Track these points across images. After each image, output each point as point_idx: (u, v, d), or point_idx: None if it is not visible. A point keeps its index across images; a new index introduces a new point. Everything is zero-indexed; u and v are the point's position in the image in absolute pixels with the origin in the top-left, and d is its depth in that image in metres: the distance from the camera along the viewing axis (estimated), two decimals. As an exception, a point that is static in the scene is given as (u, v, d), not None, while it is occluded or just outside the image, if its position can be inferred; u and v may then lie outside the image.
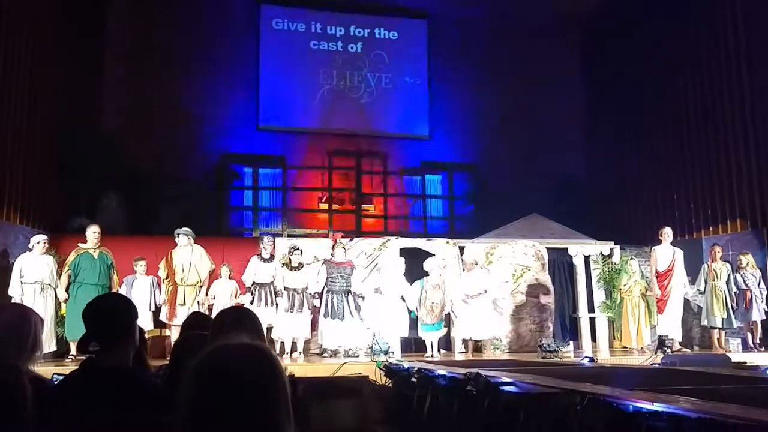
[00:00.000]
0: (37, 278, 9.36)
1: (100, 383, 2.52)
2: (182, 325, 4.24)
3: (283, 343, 10.30)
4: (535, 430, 4.17)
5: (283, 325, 10.25)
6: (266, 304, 10.24)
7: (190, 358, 1.59)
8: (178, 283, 10.00)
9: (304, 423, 2.98)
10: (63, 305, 9.65)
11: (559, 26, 17.22)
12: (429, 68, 17.85)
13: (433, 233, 15.40)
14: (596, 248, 12.59)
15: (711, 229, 13.08)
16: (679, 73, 13.96)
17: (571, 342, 12.12)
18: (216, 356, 1.54)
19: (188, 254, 10.12)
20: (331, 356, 10.28)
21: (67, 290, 9.49)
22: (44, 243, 9.58)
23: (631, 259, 12.00)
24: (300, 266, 10.61)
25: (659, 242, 11.40)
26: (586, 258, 12.57)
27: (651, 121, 14.77)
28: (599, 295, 12.35)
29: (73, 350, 9.21)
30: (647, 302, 11.53)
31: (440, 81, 17.59)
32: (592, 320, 12.35)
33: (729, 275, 11.34)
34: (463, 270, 11.28)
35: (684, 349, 11.16)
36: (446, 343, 11.37)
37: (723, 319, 11.18)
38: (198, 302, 10.04)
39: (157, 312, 10.30)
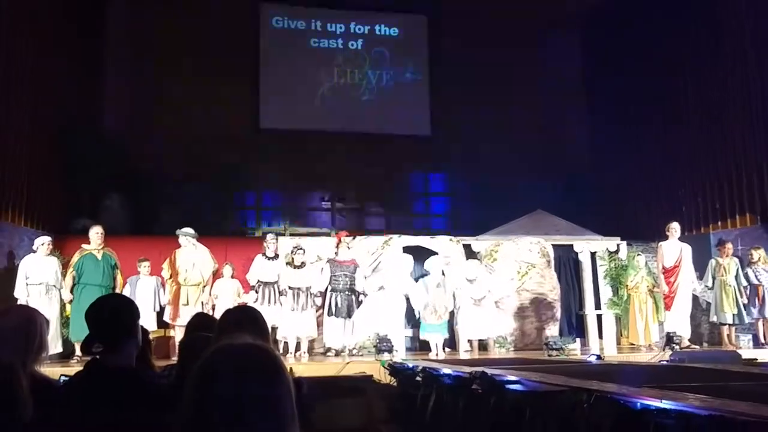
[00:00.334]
0: (42, 280, 9.37)
1: (103, 384, 2.52)
2: (187, 326, 4.23)
3: (287, 343, 10.29)
4: (542, 428, 4.14)
5: (288, 325, 10.24)
6: (270, 302, 10.22)
7: (196, 360, 1.58)
8: (182, 283, 10.01)
9: (308, 423, 2.97)
10: (68, 306, 9.66)
11: (561, 22, 17.19)
12: (430, 65, 17.82)
13: (436, 231, 15.36)
14: (602, 244, 12.54)
15: (719, 224, 13.01)
16: (684, 67, 13.91)
17: (578, 339, 12.08)
18: (219, 356, 1.54)
19: (192, 254, 10.14)
20: (335, 355, 10.28)
21: (71, 291, 9.51)
22: (48, 244, 9.60)
23: (638, 255, 11.93)
24: (303, 265, 10.59)
25: (666, 238, 11.35)
26: (593, 254, 12.52)
27: (656, 115, 14.72)
28: (606, 292, 12.30)
29: (78, 351, 9.20)
30: (655, 298, 11.47)
31: (441, 78, 17.54)
32: (599, 317, 12.30)
33: (737, 270, 11.26)
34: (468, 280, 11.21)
35: (693, 346, 11.09)
36: (451, 341, 11.34)
37: (734, 315, 11.08)
38: (201, 302, 10.05)
39: (161, 312, 10.30)
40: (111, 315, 2.76)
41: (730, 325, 11.24)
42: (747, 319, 11.17)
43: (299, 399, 1.58)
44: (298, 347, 10.34)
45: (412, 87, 17.76)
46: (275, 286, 10.38)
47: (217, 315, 8.68)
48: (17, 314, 3.19)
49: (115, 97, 15.37)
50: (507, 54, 17.15)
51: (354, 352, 10.44)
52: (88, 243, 9.71)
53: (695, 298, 11.70)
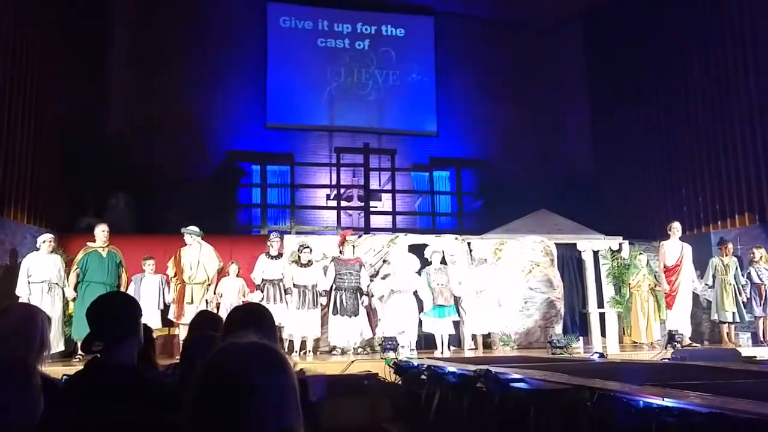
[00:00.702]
0: (44, 278, 9.34)
1: (104, 382, 2.52)
2: (190, 325, 4.24)
3: (292, 341, 10.32)
4: (546, 426, 4.16)
5: (294, 323, 10.27)
6: (275, 301, 10.24)
7: (199, 359, 1.58)
8: (186, 281, 10.00)
9: (313, 421, 2.99)
10: (71, 304, 9.63)
11: (564, 21, 17.21)
12: (436, 65, 17.85)
13: (442, 229, 15.38)
14: (605, 243, 12.55)
15: (719, 223, 13.03)
16: (685, 67, 13.91)
17: (581, 337, 12.08)
18: (224, 355, 1.54)
19: (197, 252, 10.12)
20: (341, 354, 10.30)
21: (75, 289, 9.45)
22: (50, 242, 9.57)
23: (640, 254, 11.98)
24: (309, 263, 10.62)
25: (667, 237, 11.38)
26: (595, 253, 12.53)
27: (658, 115, 14.73)
28: (608, 291, 12.31)
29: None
30: (656, 297, 11.52)
31: (447, 77, 17.58)
32: (602, 315, 12.30)
33: (737, 269, 11.32)
34: (473, 264, 11.30)
35: (694, 344, 11.12)
36: (456, 339, 11.37)
37: (734, 313, 11.16)
38: (206, 300, 10.03)
39: (165, 310, 10.32)
40: (111, 313, 2.74)
41: (730, 323, 11.30)
42: (747, 317, 11.24)
43: (304, 398, 1.58)
44: (303, 346, 10.38)
45: (418, 87, 17.79)
46: (280, 284, 10.41)
47: (222, 313, 8.77)
48: (16, 313, 3.15)
49: (120, 95, 15.37)
50: (511, 54, 17.20)
51: (359, 350, 10.46)
52: (92, 241, 9.67)
53: (696, 296, 11.75)
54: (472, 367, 5.57)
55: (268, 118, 16.80)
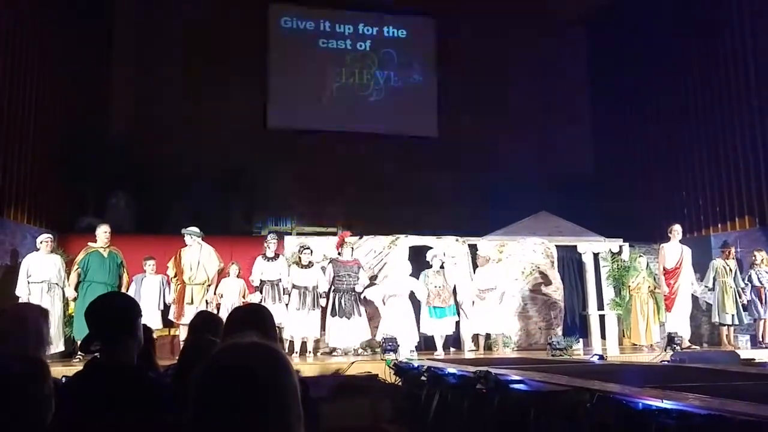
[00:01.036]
0: (44, 278, 9.32)
1: (103, 382, 2.51)
2: (189, 325, 4.25)
3: (292, 342, 10.32)
4: (545, 427, 4.17)
5: (294, 324, 10.27)
6: (274, 301, 10.22)
7: (197, 362, 1.58)
8: (186, 282, 9.98)
9: (313, 422, 2.99)
10: (71, 304, 9.61)
11: (566, 24, 17.22)
12: (437, 66, 17.85)
13: (442, 231, 15.36)
14: (605, 245, 12.56)
15: (719, 226, 13.05)
16: (686, 69, 13.92)
17: (581, 339, 12.10)
18: (226, 355, 1.54)
19: (197, 253, 10.11)
20: (341, 355, 10.30)
21: (76, 289, 9.42)
22: (49, 242, 9.54)
23: (640, 256, 11.99)
24: (310, 264, 10.62)
25: (668, 239, 11.39)
26: (595, 255, 12.54)
27: (659, 118, 14.75)
28: (608, 293, 12.31)
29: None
30: (656, 299, 11.53)
31: (448, 79, 17.57)
32: (602, 317, 12.32)
33: (736, 272, 11.35)
34: (476, 266, 11.31)
35: (693, 346, 11.14)
36: (456, 341, 11.38)
37: (733, 315, 11.19)
38: (206, 301, 10.02)
39: (166, 311, 10.31)
40: (111, 313, 2.73)
41: (729, 325, 11.32)
42: (746, 320, 11.27)
43: (305, 399, 1.59)
44: (303, 347, 10.38)
45: (420, 88, 17.79)
46: (279, 285, 10.40)
47: (222, 314, 8.78)
48: (10, 315, 3.14)
49: (121, 94, 15.38)
50: (513, 55, 17.20)
51: (358, 351, 10.47)
52: (93, 241, 9.65)
53: (695, 299, 11.77)
54: (472, 369, 5.58)
55: (269, 118, 16.77)
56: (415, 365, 7.69)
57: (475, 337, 11.15)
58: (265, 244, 10.70)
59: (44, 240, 9.53)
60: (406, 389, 7.70)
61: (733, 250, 11.59)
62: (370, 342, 10.73)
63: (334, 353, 10.48)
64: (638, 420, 3.20)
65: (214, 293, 10.21)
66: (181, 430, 1.51)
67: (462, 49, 17.44)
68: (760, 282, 11.18)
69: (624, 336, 12.27)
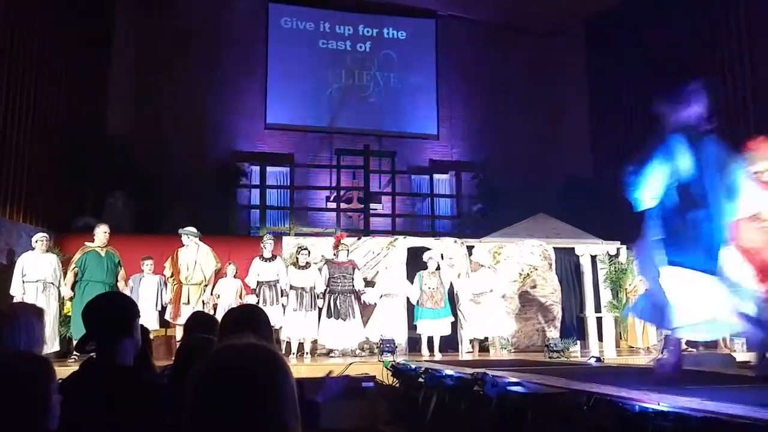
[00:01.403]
0: (39, 277, 9.23)
1: (101, 383, 2.50)
2: (184, 326, 4.24)
3: (289, 343, 10.31)
4: (542, 430, 4.17)
5: (292, 325, 10.25)
6: (272, 302, 10.19)
7: (193, 362, 1.58)
8: (183, 282, 9.98)
9: (311, 423, 2.99)
10: (67, 303, 9.58)
11: (565, 26, 17.24)
12: (437, 68, 17.87)
13: (441, 232, 15.39)
14: (603, 248, 12.58)
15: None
16: (685, 69, 13.91)
17: (578, 341, 12.10)
18: (223, 356, 1.55)
19: (194, 253, 10.10)
20: (338, 356, 10.29)
21: (72, 288, 9.36)
22: (44, 241, 9.47)
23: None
24: (308, 265, 10.61)
25: (666, 242, 11.37)
26: (593, 258, 12.56)
27: (658, 119, 14.73)
28: (606, 295, 12.34)
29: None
30: (653, 302, 11.51)
31: (448, 80, 17.61)
32: (599, 320, 12.34)
33: (733, 274, 11.33)
34: (470, 271, 11.31)
35: (689, 349, 11.13)
36: (453, 343, 11.38)
37: (730, 318, 11.17)
38: (203, 301, 10.02)
39: (163, 311, 10.28)
40: (107, 313, 2.72)
41: (725, 328, 11.30)
42: None
43: (302, 400, 1.59)
44: (300, 348, 10.36)
45: (419, 89, 17.81)
46: (276, 285, 10.37)
47: (219, 314, 8.76)
48: (2, 314, 3.10)
49: (120, 94, 15.35)
50: (511, 57, 17.23)
51: (356, 352, 10.46)
52: (90, 240, 9.61)
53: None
54: (470, 371, 5.58)
55: (269, 118, 16.82)
56: (413, 367, 7.68)
57: (472, 340, 11.15)
58: (262, 245, 10.67)
59: (39, 239, 9.46)
60: (404, 391, 7.70)
61: None
62: (361, 344, 10.73)
63: (331, 354, 10.47)
64: (635, 422, 3.21)
65: (211, 293, 10.19)
66: (179, 430, 1.51)
67: (461, 51, 17.47)
68: (756, 285, 11.17)
69: (621, 338, 12.28)
